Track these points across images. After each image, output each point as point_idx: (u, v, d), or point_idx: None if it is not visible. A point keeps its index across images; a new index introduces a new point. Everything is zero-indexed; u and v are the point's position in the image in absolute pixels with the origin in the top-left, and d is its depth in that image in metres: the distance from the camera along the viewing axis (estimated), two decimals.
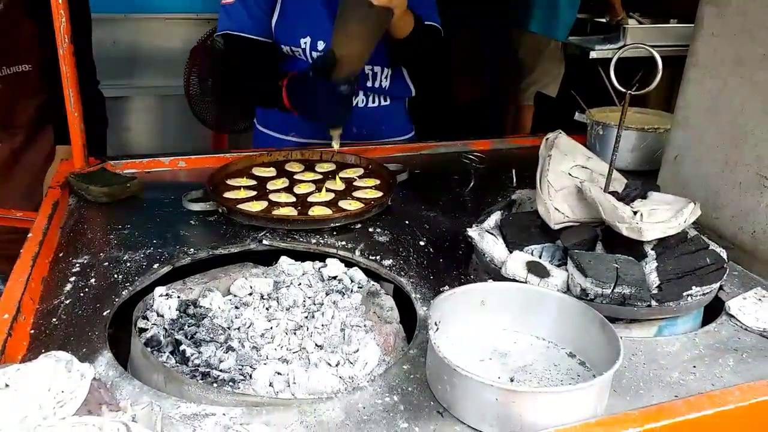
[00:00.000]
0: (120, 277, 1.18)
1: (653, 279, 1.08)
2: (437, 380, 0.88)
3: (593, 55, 3.86)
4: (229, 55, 1.83)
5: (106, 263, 1.22)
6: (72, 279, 1.16)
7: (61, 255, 1.25)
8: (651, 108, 2.03)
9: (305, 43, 1.71)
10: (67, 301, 1.09)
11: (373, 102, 1.90)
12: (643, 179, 1.57)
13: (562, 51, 3.94)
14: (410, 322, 1.11)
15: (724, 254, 1.17)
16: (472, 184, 1.74)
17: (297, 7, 1.70)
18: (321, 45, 1.72)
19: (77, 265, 1.21)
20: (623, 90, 1.14)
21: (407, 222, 1.48)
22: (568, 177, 1.24)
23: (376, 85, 1.83)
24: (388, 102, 1.95)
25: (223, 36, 1.77)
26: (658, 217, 1.13)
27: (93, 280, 1.16)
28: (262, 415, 0.85)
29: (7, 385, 0.78)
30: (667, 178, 1.56)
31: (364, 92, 1.85)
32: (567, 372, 0.97)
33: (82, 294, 1.12)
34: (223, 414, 0.84)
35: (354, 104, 1.79)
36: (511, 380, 0.94)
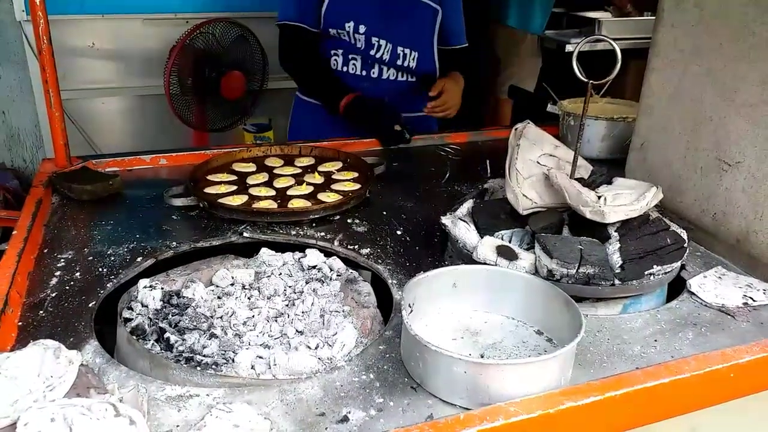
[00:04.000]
0: (104, 270, 1.21)
1: (616, 259, 1.13)
2: (410, 357, 0.93)
3: (569, 48, 3.92)
4: (280, 42, 2.12)
5: (91, 258, 1.26)
6: (57, 273, 1.19)
7: (45, 251, 1.28)
8: (629, 99, 2.09)
9: (349, 26, 2.00)
10: (53, 294, 1.12)
11: (402, 77, 2.15)
12: (613, 167, 1.64)
13: (539, 45, 4.00)
14: (388, 307, 1.16)
15: (684, 235, 1.23)
16: (447, 175, 1.79)
17: None
18: (363, 28, 2.00)
19: (62, 260, 1.24)
20: (585, 80, 1.19)
21: (385, 213, 1.52)
22: (536, 165, 1.29)
23: (405, 64, 2.12)
24: (414, 79, 2.19)
25: (278, 25, 2.08)
26: (621, 200, 1.19)
27: (78, 274, 1.19)
28: (244, 394, 0.89)
29: None
30: (634, 165, 1.62)
31: (396, 69, 2.12)
32: (535, 348, 1.02)
33: (67, 287, 1.15)
34: (207, 395, 0.88)
35: (386, 77, 2.12)
36: (482, 356, 0.99)
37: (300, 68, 2.14)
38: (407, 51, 2.09)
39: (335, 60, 2.08)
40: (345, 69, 2.08)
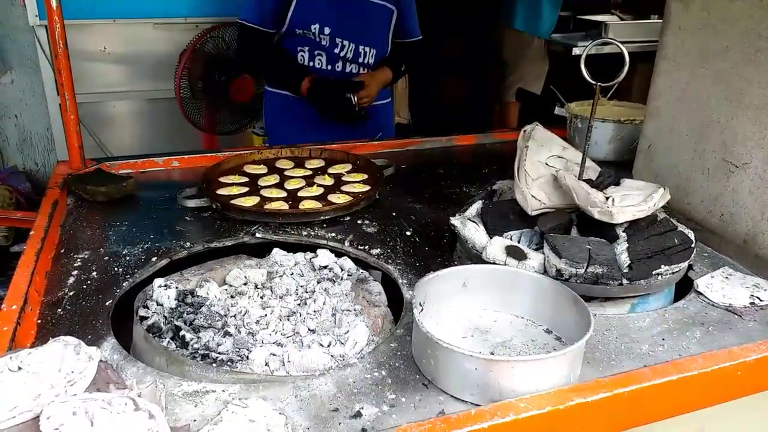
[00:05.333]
0: (120, 270, 1.24)
1: (624, 259, 1.14)
2: (422, 355, 0.94)
3: (576, 51, 3.93)
4: (239, 39, 2.32)
5: (106, 258, 1.28)
6: (74, 273, 1.22)
7: (62, 251, 1.30)
8: (636, 101, 2.10)
9: (315, 28, 2.15)
10: (71, 293, 1.15)
11: (363, 71, 2.29)
12: (620, 169, 1.65)
13: (546, 48, 4.02)
14: (398, 306, 1.17)
15: (691, 235, 1.24)
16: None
17: (308, 1, 2.15)
18: (327, 30, 2.16)
19: (78, 260, 1.27)
20: (593, 83, 1.21)
21: (394, 214, 1.54)
22: (544, 166, 1.30)
23: (365, 61, 2.28)
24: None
25: (238, 24, 2.24)
26: (629, 201, 1.20)
27: (94, 274, 1.22)
28: (259, 390, 0.91)
29: (20, 368, 0.84)
30: (641, 167, 1.64)
31: (357, 64, 2.27)
32: (544, 346, 1.04)
33: (84, 286, 1.17)
34: (223, 390, 0.90)
35: (349, 71, 2.26)
36: (492, 354, 1.00)
37: (260, 59, 2.29)
38: (367, 49, 2.25)
39: (302, 56, 2.22)
40: (311, 64, 2.22)
